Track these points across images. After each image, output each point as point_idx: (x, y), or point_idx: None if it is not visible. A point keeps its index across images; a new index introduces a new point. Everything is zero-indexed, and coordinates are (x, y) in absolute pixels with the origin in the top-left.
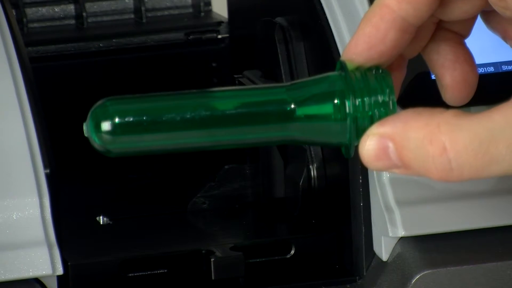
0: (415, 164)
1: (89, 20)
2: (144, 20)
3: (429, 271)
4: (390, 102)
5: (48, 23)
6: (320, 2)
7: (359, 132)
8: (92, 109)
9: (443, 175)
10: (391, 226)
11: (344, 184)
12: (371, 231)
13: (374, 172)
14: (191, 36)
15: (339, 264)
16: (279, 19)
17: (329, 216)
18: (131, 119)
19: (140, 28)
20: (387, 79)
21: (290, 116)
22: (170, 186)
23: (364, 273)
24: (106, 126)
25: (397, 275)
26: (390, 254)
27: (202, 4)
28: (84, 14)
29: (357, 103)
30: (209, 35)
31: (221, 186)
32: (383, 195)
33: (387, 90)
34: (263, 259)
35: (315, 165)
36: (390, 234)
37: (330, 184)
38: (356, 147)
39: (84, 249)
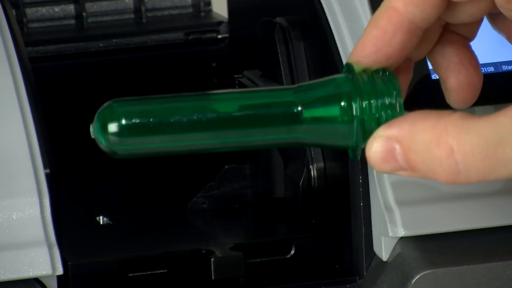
0: (422, 167)
1: (89, 20)
2: (144, 20)
3: (429, 271)
4: (397, 104)
5: (48, 23)
6: (320, 2)
7: (366, 134)
8: (99, 110)
9: (450, 178)
10: (391, 226)
11: (344, 184)
12: (371, 231)
13: (374, 172)
14: (191, 36)
15: (339, 264)
16: (279, 19)
17: (329, 216)
18: (138, 120)
19: (140, 28)
20: (394, 82)
21: (297, 118)
22: (170, 186)
23: (364, 273)
24: (112, 127)
25: (397, 275)
26: (390, 254)
27: (202, 4)
28: (84, 14)
29: (364, 105)
30: (209, 35)
31: (221, 186)
32: (383, 195)
33: (394, 92)
34: (263, 259)
35: (315, 165)
36: (390, 234)
37: (330, 184)
38: (363, 150)
39: (84, 249)
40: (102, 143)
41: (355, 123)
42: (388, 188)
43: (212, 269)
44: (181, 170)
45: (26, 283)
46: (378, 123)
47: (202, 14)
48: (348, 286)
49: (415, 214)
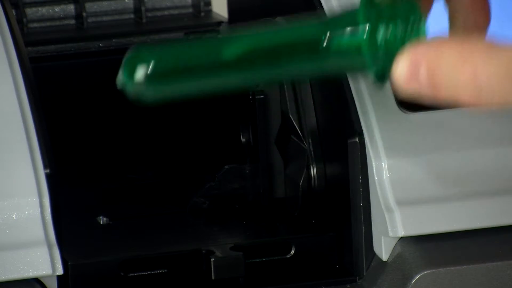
0: (446, 89)
1: (89, 20)
2: (144, 20)
3: (429, 271)
4: (421, 27)
5: (48, 23)
6: (320, 2)
7: (392, 58)
8: (126, 57)
9: (473, 100)
10: (391, 226)
11: (344, 184)
12: (371, 231)
13: (374, 172)
14: (191, 36)
15: (339, 264)
16: (279, 19)
17: (329, 216)
18: (166, 64)
19: (140, 28)
20: (415, 6)
21: (323, 49)
22: (170, 186)
23: (364, 273)
24: (141, 72)
25: (397, 275)
26: (390, 254)
27: (202, 4)
28: (84, 14)
29: (388, 30)
30: (209, 35)
31: (221, 186)
32: (383, 195)
33: (418, 16)
34: (263, 259)
35: (315, 165)
36: (390, 234)
37: (330, 184)
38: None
39: (84, 249)
40: (130, 89)
41: (380, 47)
42: (388, 188)
43: (212, 269)
44: (181, 170)
45: (26, 283)
46: (403, 46)
47: (202, 14)
48: (348, 286)
49: (415, 214)
